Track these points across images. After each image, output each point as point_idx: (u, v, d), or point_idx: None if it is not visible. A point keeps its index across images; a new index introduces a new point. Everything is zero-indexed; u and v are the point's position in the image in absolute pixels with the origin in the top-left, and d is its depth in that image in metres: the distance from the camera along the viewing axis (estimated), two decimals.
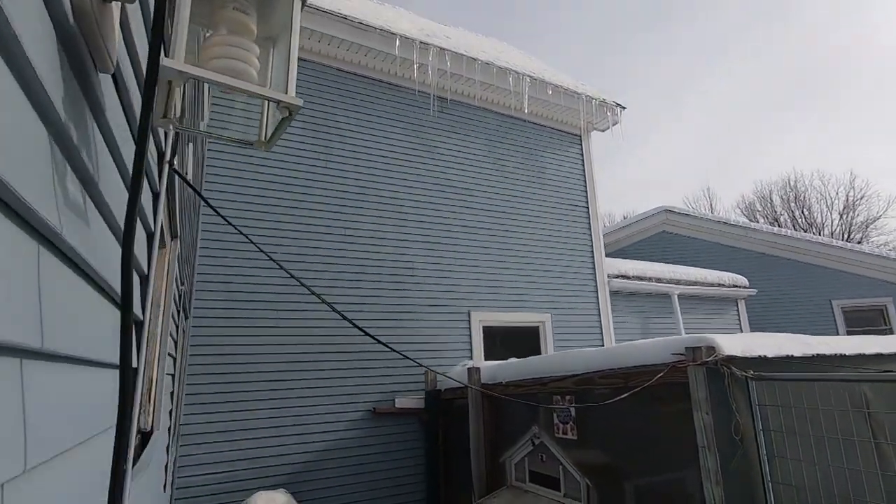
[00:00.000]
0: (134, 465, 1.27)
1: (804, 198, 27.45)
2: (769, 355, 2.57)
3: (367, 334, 2.31)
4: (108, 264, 0.80)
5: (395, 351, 2.60)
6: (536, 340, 6.32)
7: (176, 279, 2.27)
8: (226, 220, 1.94)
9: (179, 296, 2.90)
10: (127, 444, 0.51)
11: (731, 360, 2.49)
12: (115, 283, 0.84)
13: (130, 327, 0.55)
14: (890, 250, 13.23)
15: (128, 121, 0.75)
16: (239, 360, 4.65)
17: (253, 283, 4.85)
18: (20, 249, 0.45)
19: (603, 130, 7.79)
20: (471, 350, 5.77)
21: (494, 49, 8.08)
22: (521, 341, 6.17)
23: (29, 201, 0.42)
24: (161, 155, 1.09)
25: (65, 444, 0.61)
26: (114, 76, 0.57)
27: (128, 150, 0.84)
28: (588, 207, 7.32)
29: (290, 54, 0.56)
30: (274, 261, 2.13)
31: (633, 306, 7.72)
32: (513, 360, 4.61)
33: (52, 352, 0.52)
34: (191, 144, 2.52)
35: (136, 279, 0.97)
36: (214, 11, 0.54)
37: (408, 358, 2.91)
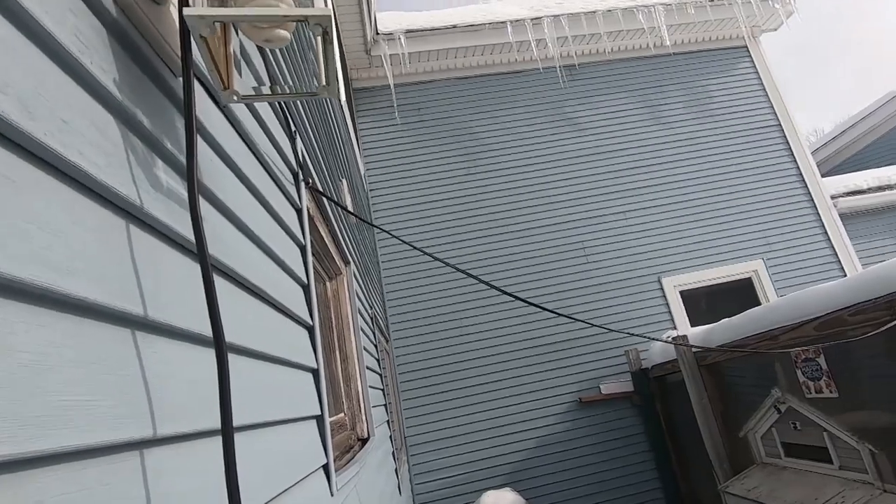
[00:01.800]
0: (349, 460, 1.38)
1: None
2: None
3: (572, 319, 2.21)
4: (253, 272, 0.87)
5: (600, 327, 2.44)
6: (750, 294, 5.37)
7: (360, 300, 2.49)
8: (392, 235, 2.07)
9: (371, 318, 3.19)
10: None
11: None
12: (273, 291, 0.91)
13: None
14: None
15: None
16: (444, 371, 4.93)
17: (439, 296, 5.14)
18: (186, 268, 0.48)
19: (775, 29, 6.40)
20: (671, 319, 5.17)
21: None
22: (730, 299, 5.31)
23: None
24: (296, 174, 1.19)
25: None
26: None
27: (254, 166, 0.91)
28: (780, 125, 6.03)
29: None
30: (462, 271, 2.19)
31: (880, 226, 6.04)
32: (724, 320, 3.96)
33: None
34: (345, 181, 2.77)
35: (296, 288, 1.07)
36: None
37: (613, 331, 2.69)
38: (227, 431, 0.45)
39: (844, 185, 6.11)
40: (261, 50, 1.02)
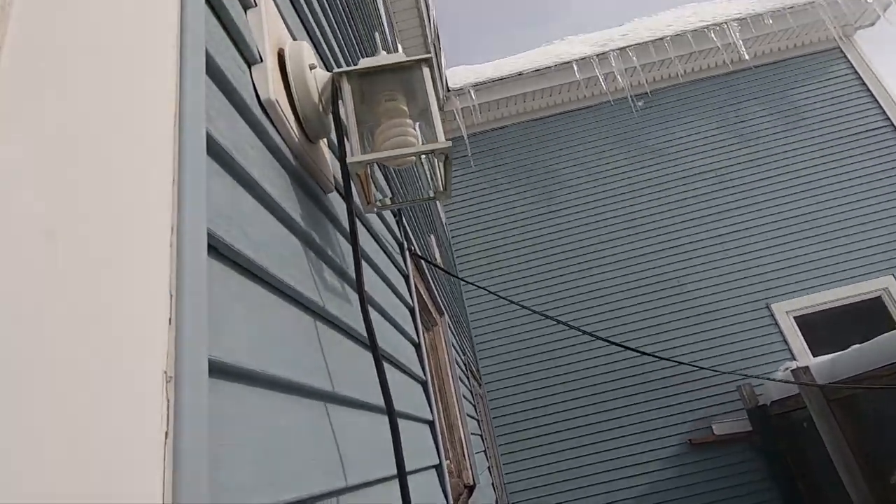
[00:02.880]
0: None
1: None
2: None
3: (675, 362, 2.16)
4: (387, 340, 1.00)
5: (709, 369, 2.33)
6: (881, 315, 4.77)
7: (455, 348, 2.60)
8: (478, 287, 2.17)
9: (465, 364, 3.28)
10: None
11: None
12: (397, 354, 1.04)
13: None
14: None
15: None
16: (539, 415, 4.85)
17: (528, 336, 5.13)
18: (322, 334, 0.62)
19: (872, 24, 5.92)
20: (789, 349, 4.71)
21: (680, 15, 7.24)
22: (857, 322, 4.74)
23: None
24: (401, 244, 1.34)
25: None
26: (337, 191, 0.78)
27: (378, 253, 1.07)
28: (893, 124, 5.47)
29: (433, 114, 0.66)
30: (547, 316, 2.24)
31: None
32: (853, 347, 3.57)
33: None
34: (433, 236, 2.95)
35: (411, 348, 1.19)
36: (374, 109, 0.68)
37: (723, 373, 2.55)
38: (402, 475, 0.57)
39: None
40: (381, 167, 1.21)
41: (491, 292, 1.92)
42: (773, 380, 2.82)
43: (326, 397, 0.58)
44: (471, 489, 1.95)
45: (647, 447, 4.58)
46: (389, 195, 1.18)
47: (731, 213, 5.32)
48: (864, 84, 5.72)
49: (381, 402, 0.65)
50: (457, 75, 6.23)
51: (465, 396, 2.52)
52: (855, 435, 3.47)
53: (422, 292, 1.69)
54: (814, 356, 4.51)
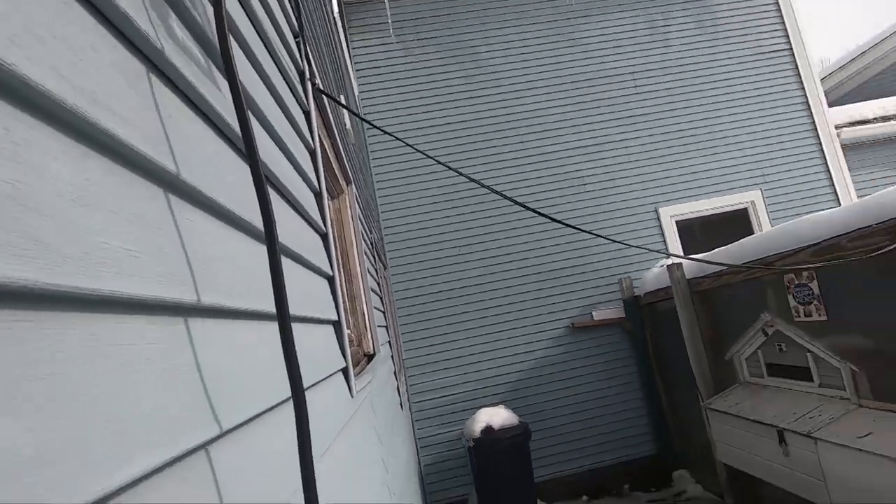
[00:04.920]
0: (362, 370, 1.42)
1: None
2: None
3: (578, 229, 2.20)
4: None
5: (605, 237, 2.44)
6: (746, 225, 5.41)
7: (361, 223, 2.46)
8: (389, 134, 1.99)
9: (371, 243, 3.17)
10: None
11: None
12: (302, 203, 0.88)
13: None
14: None
15: None
16: (440, 297, 5.02)
17: (435, 223, 5.13)
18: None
19: None
20: (667, 249, 5.22)
21: None
22: (727, 230, 5.35)
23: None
24: (301, 73, 1.11)
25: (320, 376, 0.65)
26: None
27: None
28: (792, 49, 5.79)
29: None
30: (462, 174, 2.13)
31: (883, 157, 6.00)
32: (718, 249, 4.01)
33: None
34: (342, 97, 2.63)
35: (309, 194, 1.03)
36: None
37: (615, 241, 2.71)
38: (283, 312, 0.44)
39: (849, 115, 5.99)
40: None
41: (399, 139, 1.76)
42: (647, 248, 3.09)
43: (167, 183, 0.42)
44: (370, 357, 1.94)
45: (537, 329, 5.03)
46: None
47: (638, 118, 5.48)
48: (777, 5, 5.89)
49: (259, 224, 0.51)
50: None
51: (369, 272, 2.44)
52: (706, 321, 4.04)
53: (326, 146, 1.49)
54: (685, 253, 5.06)
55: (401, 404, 3.08)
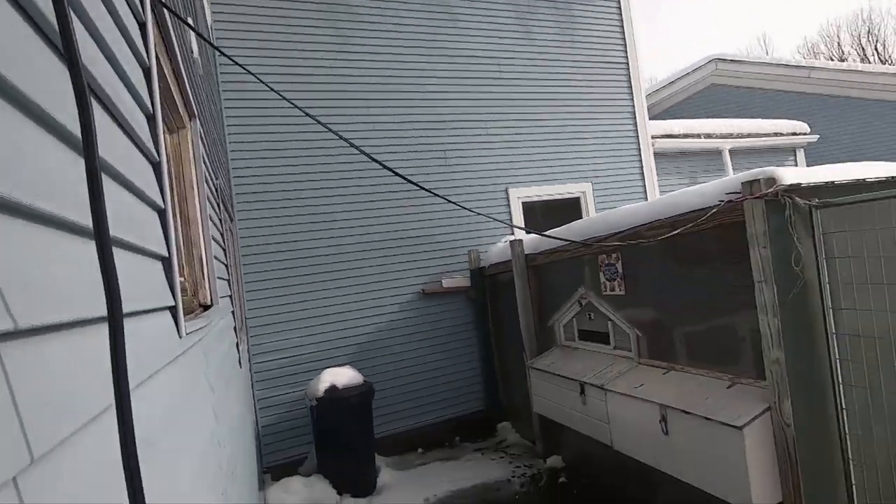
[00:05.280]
0: (195, 316, 1.34)
1: (878, 31, 24.18)
2: (837, 181, 2.36)
3: (434, 194, 2.27)
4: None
5: (458, 205, 2.59)
6: (578, 212, 6.19)
7: (206, 166, 2.25)
8: (242, 67, 1.84)
9: (217, 190, 2.92)
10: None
11: (794, 189, 2.31)
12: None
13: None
14: None
15: None
16: (289, 256, 4.83)
17: (288, 178, 4.88)
18: None
19: None
20: (512, 227, 5.73)
21: None
22: (562, 214, 6.05)
23: None
24: None
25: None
26: None
27: None
28: (628, 65, 6.66)
29: None
30: (323, 125, 2.05)
31: (680, 167, 7.33)
32: (552, 230, 4.54)
33: None
34: (192, 34, 2.33)
35: (142, 118, 0.91)
36: None
37: (464, 208, 2.89)
38: (101, 228, 0.41)
39: (662, 128, 7.15)
40: None
41: (253, 73, 1.65)
42: (495, 219, 3.39)
43: None
44: (206, 307, 1.83)
45: (387, 293, 5.16)
46: None
47: (499, 102, 5.85)
48: (620, 22, 6.70)
49: (74, 128, 0.45)
50: None
51: (211, 219, 2.26)
52: (537, 292, 4.58)
53: (164, 64, 1.32)
54: (527, 234, 5.62)
55: (239, 361, 2.95)
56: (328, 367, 4.45)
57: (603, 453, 3.47)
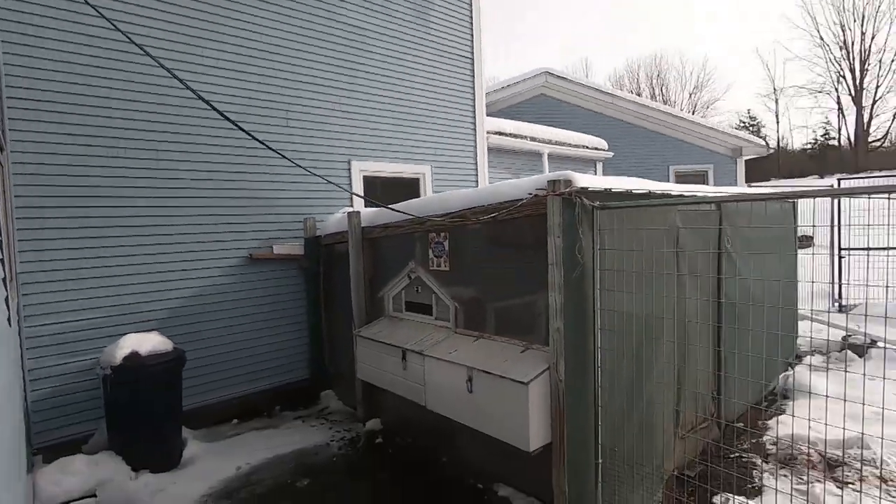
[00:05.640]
0: None
1: (664, 76, 29.99)
2: (614, 189, 2.97)
3: (280, 154, 2.16)
4: None
5: (301, 167, 2.50)
6: (416, 192, 6.49)
7: None
8: None
9: None
10: None
11: (583, 192, 2.84)
12: None
13: None
14: (721, 124, 15.28)
15: None
16: (87, 202, 4.12)
17: (91, 108, 4.13)
18: None
19: None
20: (351, 199, 5.76)
21: None
22: (402, 192, 6.28)
23: None
24: None
25: None
26: None
27: None
28: (473, 59, 7.15)
29: None
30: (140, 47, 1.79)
31: (508, 163, 8.17)
32: (389, 205, 4.72)
33: None
34: None
35: None
36: None
37: (329, 182, 2.82)
38: None
39: (496, 126, 7.88)
40: None
41: None
42: (341, 187, 3.41)
43: None
44: None
45: (211, 255, 4.77)
46: None
47: (354, 73, 5.77)
48: (470, 17, 7.13)
49: None
50: None
51: None
52: (371, 265, 4.72)
53: None
54: (366, 207, 5.71)
55: (9, 319, 2.48)
56: (132, 333, 3.96)
57: (419, 414, 3.81)
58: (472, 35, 7.11)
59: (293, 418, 4.92)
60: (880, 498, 3.09)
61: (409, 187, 6.43)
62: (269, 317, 5.15)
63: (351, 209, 5.32)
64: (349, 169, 5.78)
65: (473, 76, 7.12)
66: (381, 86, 6.08)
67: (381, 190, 6.10)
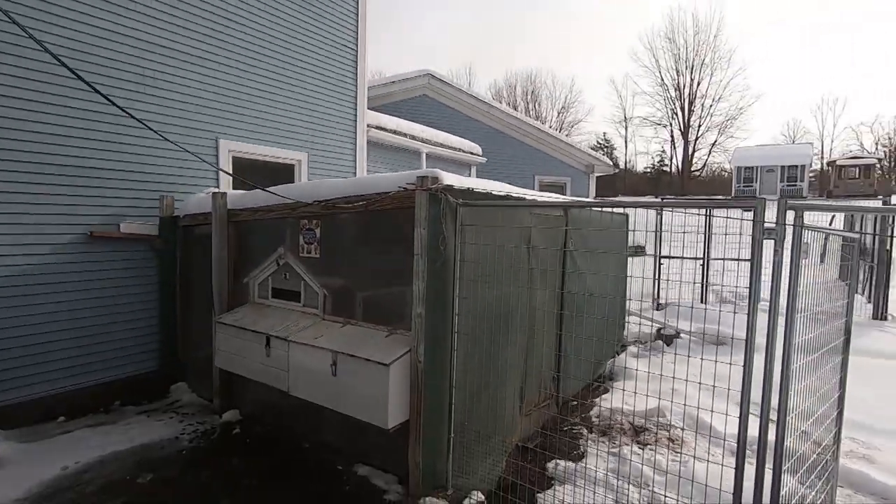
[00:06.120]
0: None
1: (538, 93, 32.67)
2: (475, 188, 3.28)
3: (136, 119, 1.97)
4: None
5: (160, 135, 2.30)
6: (292, 178, 6.32)
7: None
8: None
9: None
10: None
11: (449, 189, 3.09)
12: None
13: None
14: (580, 143, 17.16)
15: None
16: None
17: None
18: None
19: None
20: (217, 179, 5.42)
21: None
22: (276, 178, 6.06)
23: None
24: None
25: None
26: None
27: None
28: (357, 50, 7.14)
29: None
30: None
31: (387, 158, 8.31)
32: (258, 189, 4.57)
33: None
34: None
35: None
36: None
37: (194, 155, 2.61)
38: None
39: (377, 120, 7.96)
40: None
41: None
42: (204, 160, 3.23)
43: None
44: None
45: (36, 230, 4.14)
46: None
47: (230, 47, 5.42)
48: (356, 8, 7.12)
49: None
50: None
51: None
52: (236, 249, 4.51)
53: None
54: (233, 189, 5.42)
55: None
56: None
57: (281, 401, 3.77)
58: (356, 25, 7.10)
59: (136, 413, 4.50)
60: (668, 453, 3.85)
61: (284, 173, 6.23)
62: (111, 302, 4.62)
63: (216, 190, 5.01)
64: (216, 147, 5.43)
65: (356, 68, 7.13)
66: (259, 64, 5.80)
67: (253, 174, 5.83)
